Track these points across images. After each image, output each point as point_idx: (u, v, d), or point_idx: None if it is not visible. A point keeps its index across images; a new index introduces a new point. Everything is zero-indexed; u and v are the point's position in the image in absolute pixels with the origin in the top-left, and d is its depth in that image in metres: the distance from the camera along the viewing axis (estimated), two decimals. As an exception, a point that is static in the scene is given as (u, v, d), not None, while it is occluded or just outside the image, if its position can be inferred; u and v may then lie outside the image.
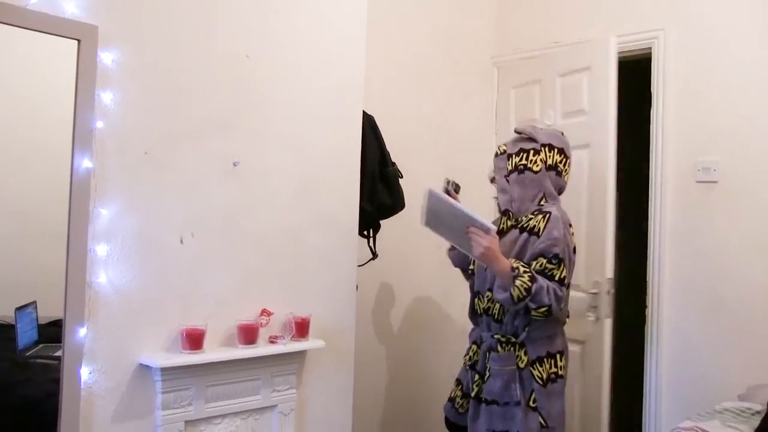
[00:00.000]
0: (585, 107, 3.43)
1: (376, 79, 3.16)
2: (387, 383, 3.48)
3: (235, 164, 2.35)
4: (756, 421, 2.55)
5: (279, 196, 2.49)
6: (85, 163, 2.01)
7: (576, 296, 3.28)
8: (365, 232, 2.95)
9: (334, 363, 2.67)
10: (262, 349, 2.35)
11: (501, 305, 2.50)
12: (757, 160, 3.13)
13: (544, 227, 2.45)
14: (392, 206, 2.99)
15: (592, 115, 3.39)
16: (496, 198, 2.73)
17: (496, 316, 2.55)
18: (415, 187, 3.27)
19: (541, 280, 2.37)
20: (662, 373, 3.36)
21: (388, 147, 3.00)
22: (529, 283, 2.33)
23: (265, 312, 2.40)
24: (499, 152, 2.64)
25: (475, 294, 2.66)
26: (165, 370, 2.13)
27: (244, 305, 2.37)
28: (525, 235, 2.50)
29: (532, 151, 2.54)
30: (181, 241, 2.23)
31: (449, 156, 3.78)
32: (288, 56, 2.51)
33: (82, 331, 2.01)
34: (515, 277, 2.34)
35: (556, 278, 2.41)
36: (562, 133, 2.68)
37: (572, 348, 3.26)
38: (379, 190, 2.93)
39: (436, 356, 3.73)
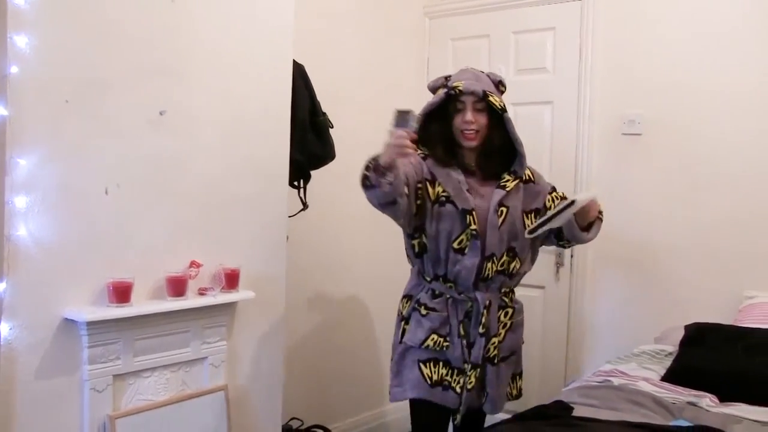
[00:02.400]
0: (547, 65, 3.64)
1: (307, 27, 3.10)
2: (318, 334, 3.50)
3: (161, 113, 2.28)
4: (669, 362, 2.69)
5: (207, 146, 2.44)
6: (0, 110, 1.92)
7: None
8: (295, 183, 2.92)
9: (264, 314, 2.67)
10: (191, 301, 2.33)
11: (513, 257, 2.47)
12: (679, 113, 3.26)
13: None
14: (323, 156, 2.97)
15: (556, 74, 3.62)
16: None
17: (511, 270, 2.48)
18: (346, 137, 3.26)
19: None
20: (585, 318, 3.49)
21: (319, 97, 2.96)
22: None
23: (194, 264, 2.37)
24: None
25: (485, 258, 2.41)
26: (91, 324, 2.08)
27: (172, 257, 2.33)
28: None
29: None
30: (106, 192, 2.16)
31: (380, 106, 3.76)
32: (215, 3, 2.43)
33: (1, 286, 1.94)
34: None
35: None
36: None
37: (534, 293, 3.64)
38: (310, 139, 2.90)
39: (367, 306, 3.78)
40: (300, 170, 2.90)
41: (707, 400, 2.28)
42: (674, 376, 2.51)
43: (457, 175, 2.47)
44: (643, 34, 3.35)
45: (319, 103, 2.96)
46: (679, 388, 2.39)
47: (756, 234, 3.11)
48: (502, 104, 2.43)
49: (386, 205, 2.33)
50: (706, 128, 3.20)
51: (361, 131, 3.63)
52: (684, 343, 2.72)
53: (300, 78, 2.83)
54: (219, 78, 2.46)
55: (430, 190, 2.47)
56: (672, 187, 3.26)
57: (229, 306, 2.50)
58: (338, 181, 3.39)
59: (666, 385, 2.44)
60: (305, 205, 2.96)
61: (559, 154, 3.59)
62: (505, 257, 2.45)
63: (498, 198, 2.45)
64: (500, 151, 2.49)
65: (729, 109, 3.16)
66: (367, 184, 2.28)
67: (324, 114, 2.98)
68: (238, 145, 2.54)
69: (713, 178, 3.17)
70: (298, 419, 3.15)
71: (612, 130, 3.42)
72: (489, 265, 2.42)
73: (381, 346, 3.87)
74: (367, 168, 2.26)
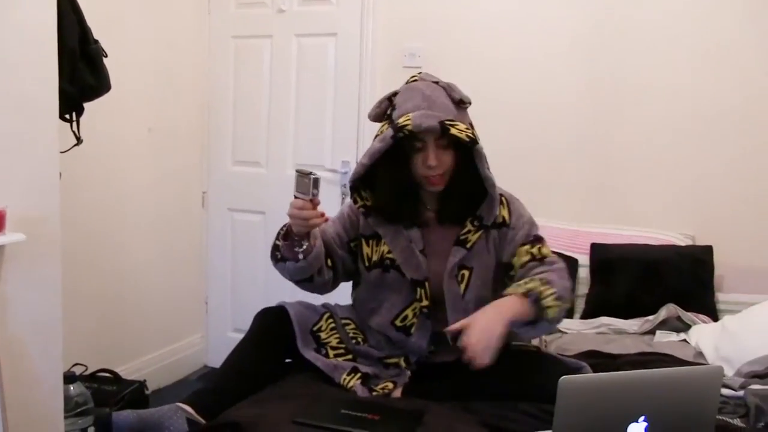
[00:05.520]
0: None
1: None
2: (99, 274, 3.34)
3: None
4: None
5: (-41, 75, 2.19)
6: None
7: (326, 177, 3.62)
8: (67, 116, 2.72)
9: (37, 257, 2.48)
10: (-51, 247, 2.12)
11: None
12: (456, 47, 3.49)
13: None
14: (97, 87, 2.77)
15: (340, 6, 3.61)
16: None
17: None
18: (122, 67, 3.07)
19: (553, 272, 1.90)
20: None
21: (89, 23, 2.75)
22: (552, 288, 1.83)
23: (-50, 206, 2.15)
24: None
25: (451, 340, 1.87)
26: None
27: (-77, 200, 2.10)
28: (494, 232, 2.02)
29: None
30: None
31: (157, 34, 3.58)
32: None
33: None
34: (538, 300, 1.81)
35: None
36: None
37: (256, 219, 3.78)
38: (81, 69, 2.69)
39: (150, 243, 3.66)
40: (71, 102, 2.69)
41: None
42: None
43: (410, 232, 2.01)
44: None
45: (90, 29, 2.74)
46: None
47: (528, 161, 3.41)
48: (470, 134, 1.89)
49: (300, 282, 2.03)
50: (482, 62, 3.44)
51: (138, 60, 3.45)
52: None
53: (66, 1, 2.61)
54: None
55: (365, 250, 2.06)
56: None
57: (-4, 250, 2.30)
58: (114, 113, 3.22)
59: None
60: (79, 140, 2.77)
61: (343, 86, 3.66)
62: None
63: (457, 259, 1.97)
64: (467, 191, 1.98)
65: (503, 42, 3.43)
66: (277, 256, 1.95)
67: (96, 42, 2.77)
68: (-3, 74, 2.30)
69: (490, 111, 3.40)
70: (82, 365, 3.01)
71: (394, 63, 3.55)
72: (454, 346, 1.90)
73: (166, 282, 3.79)
74: (277, 236, 1.94)
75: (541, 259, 1.94)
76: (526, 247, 1.97)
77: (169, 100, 3.69)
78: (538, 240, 1.99)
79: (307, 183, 1.81)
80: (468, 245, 1.97)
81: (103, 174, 3.31)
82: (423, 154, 1.91)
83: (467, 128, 1.88)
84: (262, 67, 3.82)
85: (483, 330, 1.73)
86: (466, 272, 1.97)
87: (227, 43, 3.89)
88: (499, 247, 2.00)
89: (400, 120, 1.88)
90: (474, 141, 1.88)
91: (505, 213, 2.00)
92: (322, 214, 1.84)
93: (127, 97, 3.29)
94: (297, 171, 1.84)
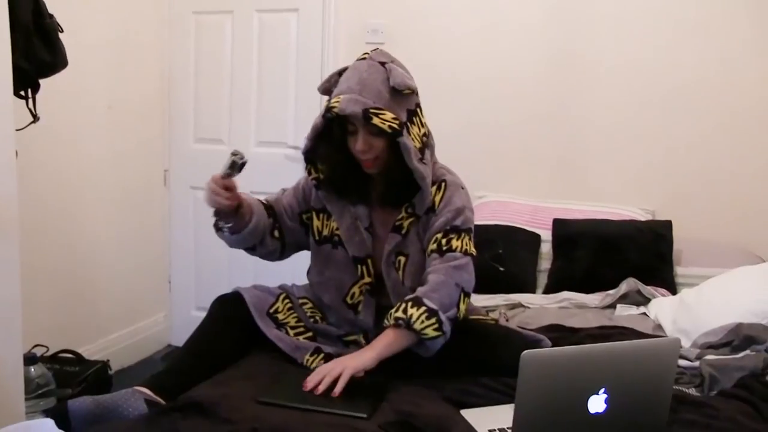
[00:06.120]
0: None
1: None
2: (59, 254, 3.29)
3: None
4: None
5: None
6: None
7: (276, 153, 3.61)
8: (22, 93, 2.65)
9: (-5, 237, 2.44)
10: None
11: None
12: (417, 23, 3.47)
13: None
14: (52, 63, 2.70)
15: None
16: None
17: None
18: (78, 43, 3.01)
19: (441, 273, 1.88)
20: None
21: (44, -4, 2.68)
22: (427, 312, 1.80)
23: None
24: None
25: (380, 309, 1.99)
26: None
27: None
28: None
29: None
30: None
31: (117, 8, 3.51)
32: None
33: None
34: (410, 326, 1.79)
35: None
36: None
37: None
38: (36, 45, 2.62)
39: (111, 221, 3.61)
40: (27, 79, 2.62)
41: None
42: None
43: (356, 210, 2.01)
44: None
45: (44, 3, 2.67)
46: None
47: (490, 138, 3.43)
48: (394, 125, 1.83)
49: (246, 250, 2.11)
50: (444, 38, 3.45)
51: (96, 36, 3.38)
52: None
53: (19, -26, 2.54)
54: None
55: (316, 223, 2.07)
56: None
57: (-49, 231, 2.25)
58: (72, 90, 3.16)
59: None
60: (36, 117, 2.71)
61: (305, 62, 3.63)
62: None
63: (392, 246, 1.98)
64: (404, 179, 1.92)
65: (465, 19, 3.44)
66: (217, 225, 2.05)
67: (51, 16, 2.70)
68: (-52, 49, 2.23)
69: (452, 87, 3.42)
70: (43, 346, 2.97)
71: (356, 39, 3.53)
72: None
73: (128, 261, 3.74)
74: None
75: (443, 252, 1.91)
76: (438, 235, 1.93)
77: (128, 76, 3.62)
78: (455, 230, 1.93)
79: (227, 162, 1.87)
80: (402, 231, 1.98)
81: (62, 152, 3.24)
82: (353, 138, 1.90)
83: (394, 118, 1.83)
84: (224, 43, 3.76)
85: (337, 362, 1.78)
86: (402, 258, 1.98)
87: (188, 19, 3.83)
88: (422, 234, 1.98)
89: (332, 101, 1.87)
90: (398, 133, 1.83)
91: (437, 198, 1.97)
92: (230, 197, 1.90)
93: (85, 74, 3.23)
94: (232, 151, 1.89)
